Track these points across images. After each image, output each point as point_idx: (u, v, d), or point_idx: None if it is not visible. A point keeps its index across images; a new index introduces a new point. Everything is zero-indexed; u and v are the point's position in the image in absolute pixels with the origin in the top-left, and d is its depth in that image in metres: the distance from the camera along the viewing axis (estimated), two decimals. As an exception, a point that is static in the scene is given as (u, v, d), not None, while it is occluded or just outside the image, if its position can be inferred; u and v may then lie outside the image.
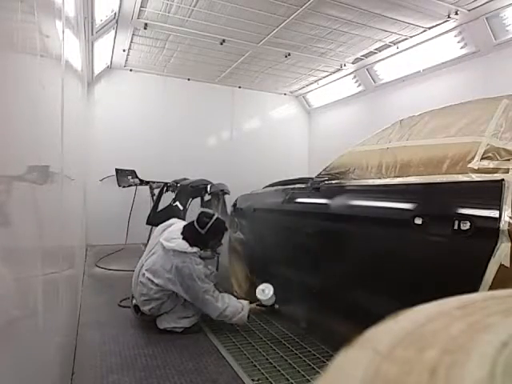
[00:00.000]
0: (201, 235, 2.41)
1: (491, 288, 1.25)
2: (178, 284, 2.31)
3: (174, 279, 2.31)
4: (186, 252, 2.32)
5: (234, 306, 2.38)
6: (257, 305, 2.47)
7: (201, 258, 2.40)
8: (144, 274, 2.40)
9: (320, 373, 0.26)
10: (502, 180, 1.32)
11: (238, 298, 2.50)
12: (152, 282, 2.35)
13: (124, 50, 4.94)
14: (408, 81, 4.97)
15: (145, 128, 5.81)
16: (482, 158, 1.45)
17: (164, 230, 2.54)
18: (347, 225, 2.02)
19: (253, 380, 1.87)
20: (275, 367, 1.99)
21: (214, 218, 2.49)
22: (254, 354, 2.15)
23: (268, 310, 2.49)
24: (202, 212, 2.58)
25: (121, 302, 2.94)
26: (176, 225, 2.54)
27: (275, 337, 2.39)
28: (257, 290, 2.43)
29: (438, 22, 3.92)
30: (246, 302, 2.44)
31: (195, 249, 2.35)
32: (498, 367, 0.20)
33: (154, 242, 2.52)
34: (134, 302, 2.54)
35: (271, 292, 2.39)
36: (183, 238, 2.37)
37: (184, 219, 4.19)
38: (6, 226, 0.65)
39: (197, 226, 2.43)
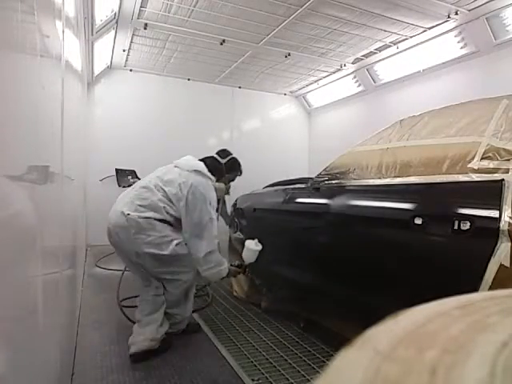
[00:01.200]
0: (220, 164, 2.42)
1: (491, 288, 1.24)
2: (184, 201, 2.10)
3: (182, 194, 2.11)
4: (204, 174, 2.23)
5: (220, 256, 2.23)
6: (233, 265, 2.41)
7: None
8: (154, 182, 2.20)
9: (320, 373, 0.26)
10: (502, 180, 1.32)
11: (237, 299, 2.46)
12: (160, 189, 2.14)
13: (124, 50, 4.94)
14: (408, 81, 4.97)
15: (145, 128, 5.81)
16: (482, 158, 1.45)
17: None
18: (347, 225, 2.02)
19: (253, 380, 1.87)
20: (275, 367, 1.99)
21: (233, 155, 2.54)
22: (254, 353, 2.15)
23: (242, 271, 2.45)
24: (222, 149, 2.59)
25: (121, 301, 2.94)
26: (185, 157, 2.42)
27: (275, 337, 2.39)
28: (247, 242, 2.41)
29: (437, 22, 3.92)
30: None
31: (212, 177, 2.29)
32: (498, 367, 0.20)
33: (164, 168, 2.38)
34: (130, 340, 2.13)
35: (260, 246, 2.39)
36: (203, 163, 2.32)
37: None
38: (6, 226, 0.65)
39: (217, 156, 2.46)
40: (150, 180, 2.23)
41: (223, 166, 2.44)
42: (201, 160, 2.37)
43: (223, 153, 2.52)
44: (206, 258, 2.11)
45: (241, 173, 2.61)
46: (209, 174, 2.25)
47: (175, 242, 2.10)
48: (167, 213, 2.11)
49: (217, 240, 2.22)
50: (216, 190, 2.30)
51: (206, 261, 2.12)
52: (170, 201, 2.13)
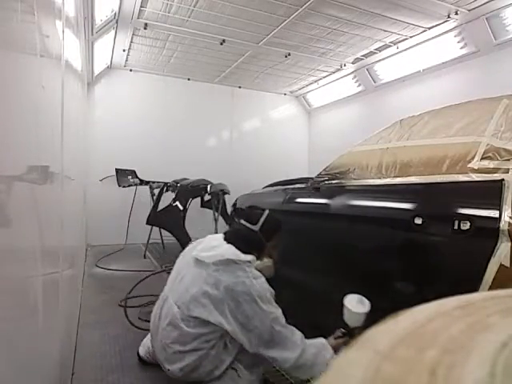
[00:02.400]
0: (255, 234, 1.70)
1: (491, 288, 1.25)
2: (227, 314, 1.49)
3: (222, 303, 1.50)
4: (236, 261, 1.55)
5: (313, 344, 1.58)
6: (336, 337, 1.69)
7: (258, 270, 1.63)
8: (171, 309, 1.59)
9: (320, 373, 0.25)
10: (502, 180, 1.32)
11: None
12: (188, 318, 1.53)
13: (124, 50, 4.94)
14: (408, 81, 4.97)
15: (145, 128, 5.81)
16: (482, 158, 1.46)
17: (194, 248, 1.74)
18: (347, 225, 2.02)
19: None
20: (275, 367, 1.99)
21: (266, 211, 1.80)
22: (254, 353, 2.15)
23: (353, 337, 1.62)
24: (249, 206, 1.96)
25: (121, 301, 2.94)
26: (211, 236, 1.79)
27: (275, 337, 2.38)
28: (349, 304, 1.62)
29: (438, 22, 3.92)
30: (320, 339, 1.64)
31: (249, 257, 1.60)
32: (498, 367, 0.20)
33: (179, 265, 1.76)
34: (146, 355, 1.87)
35: (367, 303, 1.61)
36: (229, 243, 1.64)
37: (184, 219, 4.21)
38: (6, 226, 0.65)
39: (246, 223, 1.73)
40: (170, 309, 1.60)
41: (259, 235, 1.71)
42: (226, 235, 1.72)
43: (253, 215, 1.77)
44: (297, 363, 1.52)
45: (281, 228, 1.86)
46: (243, 257, 1.58)
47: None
48: (213, 346, 1.55)
49: (299, 336, 1.56)
50: (262, 272, 1.64)
51: (298, 365, 1.52)
52: (207, 327, 1.52)
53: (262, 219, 1.74)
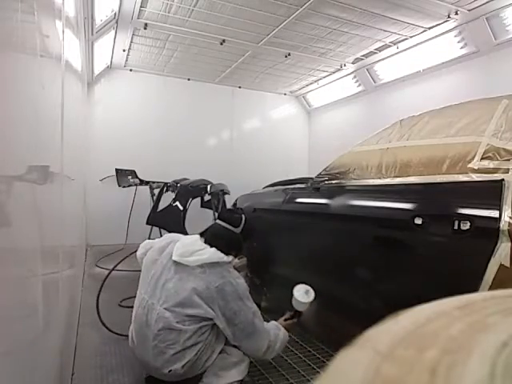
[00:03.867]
0: (237, 236, 1.84)
1: (491, 288, 1.25)
2: (217, 311, 1.60)
3: (213, 302, 1.61)
4: (220, 263, 1.68)
5: (271, 326, 1.78)
6: (285, 319, 1.92)
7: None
8: (161, 314, 1.62)
9: (320, 373, 0.25)
10: (502, 180, 1.32)
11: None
12: (184, 317, 1.59)
13: (124, 50, 4.94)
14: (408, 81, 4.97)
15: (145, 128, 5.82)
16: (482, 158, 1.46)
17: (162, 252, 1.81)
18: (347, 225, 2.02)
19: (253, 380, 1.87)
20: (275, 367, 1.99)
21: (243, 215, 1.93)
22: (254, 353, 2.15)
23: (298, 320, 1.96)
24: (228, 210, 2.04)
25: (121, 302, 2.94)
26: (182, 239, 1.82)
27: (275, 337, 2.38)
28: (296, 292, 1.88)
29: (438, 22, 3.92)
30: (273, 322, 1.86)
31: (230, 257, 1.74)
32: (498, 367, 0.20)
33: (154, 271, 1.77)
34: (145, 374, 1.80)
35: (312, 294, 1.88)
36: (212, 246, 1.72)
37: (184, 219, 4.21)
38: (6, 226, 0.65)
39: (229, 226, 1.84)
40: (158, 314, 1.64)
41: (240, 239, 1.85)
42: (208, 237, 1.79)
43: (235, 219, 1.88)
44: (267, 350, 1.70)
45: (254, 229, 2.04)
46: (226, 259, 1.70)
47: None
48: (207, 339, 1.66)
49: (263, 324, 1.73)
50: (240, 269, 1.82)
51: (268, 351, 1.71)
52: (202, 322, 1.63)
53: (243, 222, 1.88)
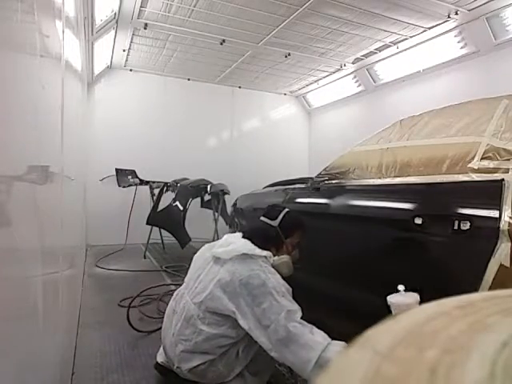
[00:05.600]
0: (273, 229, 1.72)
1: (491, 288, 1.25)
2: (244, 307, 1.45)
3: (237, 297, 1.48)
4: (251, 256, 1.56)
5: (337, 343, 1.37)
6: None
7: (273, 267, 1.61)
8: (188, 305, 1.60)
9: (320, 373, 0.25)
10: (502, 180, 1.32)
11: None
12: (204, 312, 1.53)
13: (124, 50, 4.94)
14: (408, 81, 4.97)
15: (145, 128, 5.82)
16: (482, 158, 1.46)
17: (212, 248, 1.72)
18: (347, 225, 2.02)
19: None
20: (275, 367, 1.99)
21: (286, 209, 1.81)
22: (254, 353, 2.14)
23: None
24: (271, 205, 1.95)
25: (121, 301, 2.94)
26: (228, 235, 1.78)
27: (275, 337, 2.38)
28: (393, 298, 1.33)
29: (438, 22, 3.92)
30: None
31: (265, 252, 1.60)
32: (498, 367, 0.20)
33: (199, 265, 1.72)
34: (160, 358, 1.77)
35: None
36: (246, 238, 1.66)
37: (184, 219, 4.21)
38: (6, 226, 0.65)
39: (265, 219, 1.76)
40: (184, 305, 1.61)
41: (278, 232, 1.71)
42: (245, 231, 1.75)
43: (272, 211, 1.80)
44: (318, 363, 1.31)
45: (305, 227, 1.82)
46: (259, 252, 1.58)
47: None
48: (228, 349, 1.55)
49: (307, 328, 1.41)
50: (279, 268, 1.62)
51: (318, 365, 1.32)
52: (223, 322, 1.53)
53: (281, 215, 1.75)
